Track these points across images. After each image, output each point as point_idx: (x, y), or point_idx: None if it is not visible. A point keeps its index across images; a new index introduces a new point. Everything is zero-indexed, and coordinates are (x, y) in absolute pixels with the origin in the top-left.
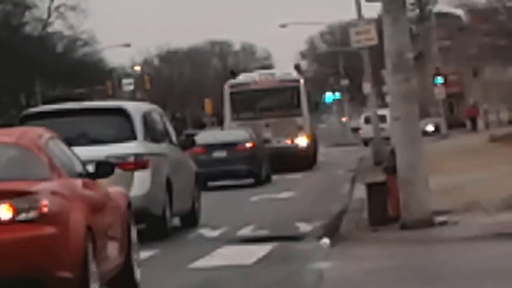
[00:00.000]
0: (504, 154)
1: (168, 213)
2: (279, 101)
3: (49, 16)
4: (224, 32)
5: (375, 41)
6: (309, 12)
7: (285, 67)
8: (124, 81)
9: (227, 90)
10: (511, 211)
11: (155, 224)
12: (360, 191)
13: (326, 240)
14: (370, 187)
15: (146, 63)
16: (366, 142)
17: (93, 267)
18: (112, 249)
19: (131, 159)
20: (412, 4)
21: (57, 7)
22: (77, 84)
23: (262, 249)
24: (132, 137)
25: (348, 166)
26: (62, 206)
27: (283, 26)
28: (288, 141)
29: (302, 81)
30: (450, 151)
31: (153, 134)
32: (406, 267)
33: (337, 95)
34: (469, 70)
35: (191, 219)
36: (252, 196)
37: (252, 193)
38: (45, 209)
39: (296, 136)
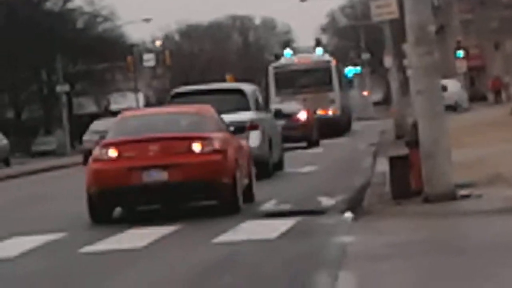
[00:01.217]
0: None
1: (270, 159)
2: (314, 79)
3: None
4: (244, 7)
5: (396, 14)
6: None
7: (305, 41)
8: (145, 56)
9: (271, 70)
10: None
11: (263, 166)
12: (382, 165)
13: (349, 214)
14: (393, 160)
15: (166, 39)
16: None
17: (239, 181)
18: (244, 173)
19: (248, 123)
20: None
21: None
22: (98, 60)
23: (285, 224)
24: (248, 108)
25: (370, 140)
26: (223, 146)
27: (303, 0)
28: (322, 112)
29: (333, 62)
30: (471, 125)
31: (258, 106)
32: (429, 241)
33: (358, 69)
34: (491, 43)
35: (280, 165)
36: (274, 171)
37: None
38: (216, 146)
39: (328, 108)
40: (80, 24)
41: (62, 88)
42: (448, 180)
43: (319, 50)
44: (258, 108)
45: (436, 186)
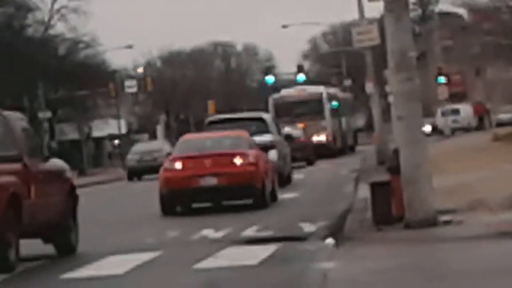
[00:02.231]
0: (508, 152)
1: (284, 171)
2: (308, 108)
3: (51, 18)
4: (226, 34)
5: (377, 41)
6: (311, 13)
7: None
8: (127, 83)
9: (271, 101)
10: None
11: (279, 176)
12: (364, 191)
13: (330, 240)
14: (374, 186)
15: (148, 65)
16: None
17: (267, 185)
18: (271, 180)
19: (268, 143)
20: (414, 4)
21: (59, 9)
22: (80, 86)
23: (266, 250)
24: (267, 132)
25: (352, 165)
26: (256, 160)
27: (285, 26)
28: (315, 137)
29: (324, 94)
30: (453, 151)
31: (276, 130)
32: (410, 267)
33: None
34: (472, 69)
35: (289, 177)
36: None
37: None
38: (251, 160)
39: (320, 133)
40: (62, 50)
41: (44, 114)
42: (429, 206)
43: (300, 77)
44: (274, 132)
45: (417, 212)
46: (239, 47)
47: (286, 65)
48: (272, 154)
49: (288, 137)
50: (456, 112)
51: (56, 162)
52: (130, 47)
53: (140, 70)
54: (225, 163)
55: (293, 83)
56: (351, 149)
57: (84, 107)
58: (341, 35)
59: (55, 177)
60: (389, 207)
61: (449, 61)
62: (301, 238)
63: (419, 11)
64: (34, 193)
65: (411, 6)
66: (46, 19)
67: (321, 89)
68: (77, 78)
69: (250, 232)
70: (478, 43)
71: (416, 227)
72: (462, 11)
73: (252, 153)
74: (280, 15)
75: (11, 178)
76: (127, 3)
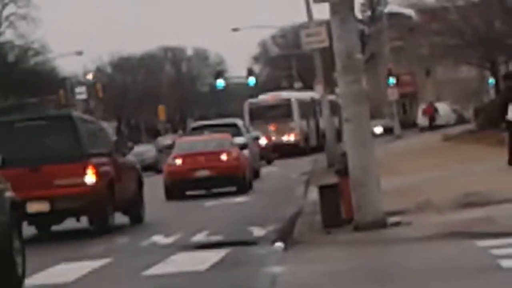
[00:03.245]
0: (457, 153)
1: (255, 167)
2: (279, 112)
3: None
4: (176, 38)
5: (326, 43)
6: (261, 16)
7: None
8: (77, 89)
9: (247, 105)
10: (463, 210)
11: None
12: (314, 194)
13: (279, 244)
14: (323, 189)
15: (99, 71)
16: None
17: (247, 176)
18: (249, 172)
19: (242, 144)
20: (363, 5)
21: (8, 17)
22: (29, 94)
23: (215, 255)
24: (241, 134)
25: (303, 168)
26: (238, 156)
27: (235, 30)
28: (285, 137)
29: (293, 99)
30: (403, 152)
31: (246, 133)
32: (359, 269)
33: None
34: (422, 70)
35: (257, 172)
36: (206, 202)
37: (206, 200)
38: (234, 156)
39: (289, 134)
40: (11, 58)
41: None
42: (378, 208)
43: (251, 80)
44: (245, 135)
45: (366, 214)
46: (189, 52)
47: (237, 68)
48: (245, 152)
49: (256, 139)
50: (435, 110)
51: (130, 157)
52: (80, 53)
53: (90, 76)
54: (214, 159)
55: (244, 86)
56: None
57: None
58: (291, 37)
59: (130, 167)
60: (338, 209)
61: (398, 61)
62: (251, 242)
63: (368, 12)
64: (120, 178)
65: (360, 7)
66: None
67: (292, 94)
68: (27, 86)
69: (200, 237)
70: (427, 43)
71: (365, 229)
72: (410, 12)
73: (234, 151)
74: (230, 19)
75: (108, 168)
76: (76, 10)
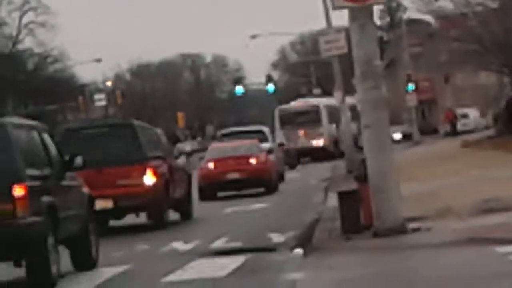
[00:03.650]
0: (476, 159)
1: (279, 170)
2: (308, 117)
3: (19, 33)
4: (195, 45)
5: (345, 50)
6: (280, 23)
7: (257, 78)
8: (96, 96)
9: (277, 112)
10: (483, 216)
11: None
12: (333, 200)
13: (299, 250)
14: (342, 195)
15: (117, 78)
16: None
17: (273, 178)
18: (275, 174)
19: (268, 149)
20: (382, 11)
21: (27, 24)
22: (49, 101)
23: (234, 261)
24: (267, 140)
25: (322, 175)
26: (265, 159)
27: (253, 37)
28: (314, 142)
29: (322, 105)
30: (422, 158)
31: (272, 139)
32: (379, 275)
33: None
34: (441, 76)
35: (283, 175)
36: (225, 209)
37: (225, 206)
38: (262, 160)
39: (318, 139)
40: (30, 65)
41: None
42: (398, 214)
43: (270, 87)
44: (270, 141)
45: (386, 220)
46: (208, 58)
47: (256, 75)
48: (271, 157)
49: (280, 145)
50: (465, 116)
51: (180, 161)
52: (98, 60)
53: (109, 83)
54: (244, 162)
55: (263, 93)
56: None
57: (54, 121)
58: (310, 44)
59: (181, 169)
60: (357, 216)
61: (418, 68)
62: (270, 248)
63: (388, 18)
64: (173, 179)
65: (379, 14)
66: (14, 34)
67: (320, 100)
68: (46, 93)
69: (219, 243)
70: (446, 49)
71: (385, 235)
72: (429, 18)
73: (262, 155)
74: (249, 25)
75: (163, 170)
76: (94, 17)
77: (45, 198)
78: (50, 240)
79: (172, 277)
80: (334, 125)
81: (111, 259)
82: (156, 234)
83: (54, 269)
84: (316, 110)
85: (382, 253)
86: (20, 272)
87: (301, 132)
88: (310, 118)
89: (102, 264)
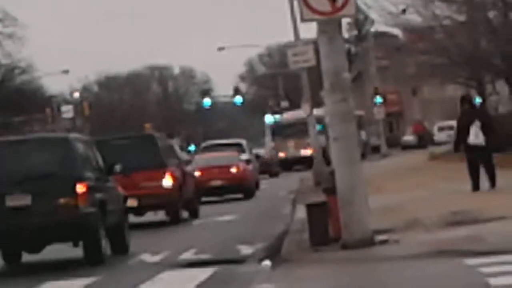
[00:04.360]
0: (444, 171)
1: (256, 178)
2: (298, 129)
3: None
4: (163, 57)
5: (312, 62)
6: (247, 35)
7: (225, 90)
8: (63, 108)
9: (268, 124)
10: (451, 228)
11: None
12: (301, 212)
13: (267, 262)
14: (310, 207)
15: (85, 90)
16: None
17: (251, 185)
18: (254, 181)
19: (246, 160)
20: (349, 24)
21: None
22: (16, 112)
23: (203, 273)
24: (244, 152)
25: (290, 187)
26: (245, 168)
27: (221, 49)
28: (302, 152)
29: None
30: (390, 170)
31: (249, 151)
32: (348, 287)
33: (277, 117)
34: (408, 89)
35: (257, 185)
36: (193, 220)
37: (194, 218)
38: (241, 169)
39: (306, 148)
40: None
41: None
42: (366, 226)
43: (238, 99)
44: (247, 152)
45: (354, 233)
46: (176, 70)
47: (224, 87)
48: (249, 167)
49: (257, 156)
50: (451, 127)
51: (188, 166)
52: (66, 72)
53: (77, 95)
54: (226, 171)
55: (231, 105)
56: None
57: (20, 133)
58: (277, 56)
59: (190, 174)
60: (325, 228)
61: (385, 80)
62: (239, 260)
63: (355, 31)
64: (185, 182)
65: (347, 27)
66: None
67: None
68: (13, 104)
69: (188, 255)
70: (413, 62)
71: (353, 247)
72: (397, 31)
73: (241, 165)
74: (216, 37)
75: (178, 174)
76: (62, 29)
77: (98, 195)
78: (101, 227)
79: None
80: (323, 136)
81: (80, 271)
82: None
83: (103, 250)
84: (305, 122)
85: (350, 265)
86: (77, 251)
87: (290, 143)
88: (299, 129)
89: (71, 276)
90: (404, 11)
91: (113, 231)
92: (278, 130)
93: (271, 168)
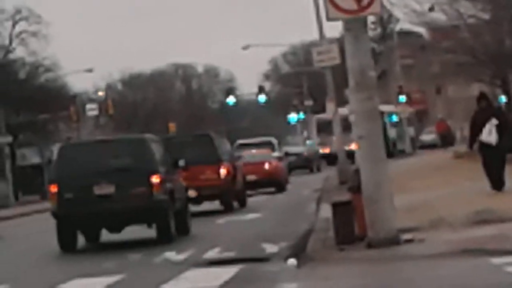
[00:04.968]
0: (468, 170)
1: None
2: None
3: (10, 42)
4: (187, 55)
5: (337, 61)
6: (272, 33)
7: (248, 88)
8: (88, 106)
9: (314, 120)
10: (476, 227)
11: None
12: (326, 211)
13: (293, 261)
14: (336, 206)
15: (109, 88)
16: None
17: (282, 180)
18: (285, 175)
19: (278, 157)
20: (374, 23)
21: (19, 34)
22: (40, 110)
23: (228, 272)
24: (275, 150)
25: (314, 186)
26: (276, 165)
27: (245, 48)
28: (346, 147)
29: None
30: (415, 169)
31: (279, 149)
32: (373, 286)
33: (302, 115)
34: (432, 87)
35: (286, 181)
36: (218, 219)
37: (218, 216)
38: (273, 165)
39: (350, 144)
40: (22, 75)
41: (4, 139)
42: (391, 225)
43: (262, 98)
44: (278, 150)
45: (379, 231)
46: (199, 69)
47: (248, 86)
48: (280, 163)
49: (287, 153)
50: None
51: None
52: (90, 70)
53: (101, 93)
54: (260, 167)
55: (255, 103)
56: (402, 153)
57: (45, 131)
58: (302, 55)
59: (239, 168)
60: (351, 226)
61: (409, 79)
62: (264, 259)
63: (379, 30)
64: (236, 175)
65: (371, 25)
66: (5, 43)
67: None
68: (38, 102)
69: (212, 253)
70: (438, 61)
71: (379, 246)
72: (421, 30)
73: (274, 162)
74: (241, 36)
75: (231, 168)
76: (86, 27)
77: (167, 185)
78: (170, 212)
79: (166, 287)
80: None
81: (105, 269)
82: (149, 244)
83: (172, 230)
84: (346, 118)
85: (376, 264)
86: (150, 231)
87: (334, 138)
88: (343, 125)
89: (96, 274)
90: (431, 9)
91: (178, 216)
92: (323, 126)
93: (311, 163)
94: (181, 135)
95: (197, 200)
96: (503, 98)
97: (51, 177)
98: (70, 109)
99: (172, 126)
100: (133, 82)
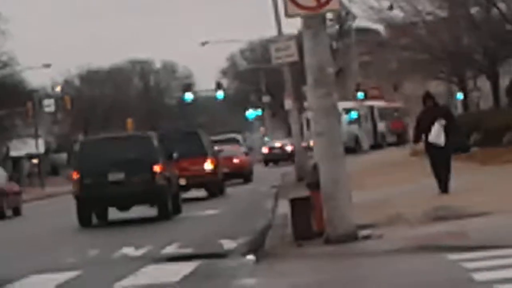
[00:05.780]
0: (425, 167)
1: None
2: None
3: None
4: (144, 51)
5: (295, 57)
6: (230, 30)
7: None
8: (45, 102)
9: (305, 117)
10: (433, 224)
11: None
12: (284, 207)
13: (251, 257)
14: (294, 202)
15: (67, 84)
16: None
17: (249, 173)
18: (251, 168)
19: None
20: (331, 20)
21: None
22: None
23: (186, 267)
24: (241, 145)
25: (272, 182)
26: (244, 159)
27: (203, 44)
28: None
29: (341, 108)
30: (373, 166)
31: (244, 144)
32: (330, 282)
33: (259, 111)
34: (390, 84)
35: (251, 172)
36: (177, 215)
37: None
38: (242, 159)
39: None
40: None
41: None
42: (349, 221)
43: (219, 94)
44: (243, 145)
45: (337, 227)
46: (157, 65)
47: (206, 82)
48: (247, 158)
49: (250, 149)
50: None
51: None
52: (48, 66)
53: (58, 89)
54: (230, 161)
55: (212, 100)
56: (373, 147)
57: (1, 126)
58: (260, 51)
59: (220, 162)
60: (309, 222)
61: (367, 76)
62: (222, 254)
63: (337, 27)
64: (218, 167)
65: (328, 22)
66: None
67: (345, 104)
68: None
69: (170, 249)
70: (395, 58)
71: (336, 242)
72: (379, 27)
73: (241, 156)
74: (199, 32)
75: (216, 161)
76: (44, 23)
77: (166, 173)
78: (169, 195)
79: (124, 283)
80: (356, 125)
81: (63, 264)
82: (107, 239)
83: (170, 210)
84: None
85: (333, 260)
86: (151, 210)
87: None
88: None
89: (51, 270)
90: (391, 7)
91: (173, 198)
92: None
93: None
94: (174, 131)
95: (186, 188)
96: (460, 95)
97: (74, 166)
98: (27, 105)
99: (129, 122)
100: (91, 78)
